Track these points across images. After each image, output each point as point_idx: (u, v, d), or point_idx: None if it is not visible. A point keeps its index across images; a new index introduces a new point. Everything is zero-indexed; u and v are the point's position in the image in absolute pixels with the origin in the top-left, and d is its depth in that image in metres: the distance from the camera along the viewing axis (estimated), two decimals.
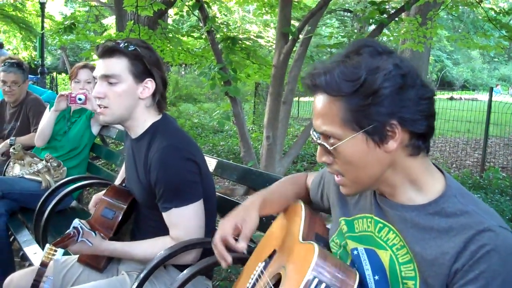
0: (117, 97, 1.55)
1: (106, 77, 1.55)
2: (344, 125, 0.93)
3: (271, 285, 1.12)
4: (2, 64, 3.23)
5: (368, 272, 1.05)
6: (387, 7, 4.19)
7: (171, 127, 1.63)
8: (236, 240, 1.23)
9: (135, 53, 1.55)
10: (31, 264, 2.10)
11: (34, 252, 2.20)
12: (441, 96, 13.63)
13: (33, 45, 17.61)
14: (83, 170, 3.05)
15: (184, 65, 15.64)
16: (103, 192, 1.76)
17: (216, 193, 1.80)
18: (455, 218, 0.93)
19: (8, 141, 3.21)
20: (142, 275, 1.45)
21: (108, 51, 1.55)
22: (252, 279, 1.23)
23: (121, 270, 1.69)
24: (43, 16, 13.84)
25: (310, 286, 0.94)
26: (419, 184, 0.99)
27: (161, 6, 5.30)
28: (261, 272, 1.21)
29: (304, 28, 4.30)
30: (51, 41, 12.08)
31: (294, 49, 4.29)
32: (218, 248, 1.24)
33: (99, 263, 1.69)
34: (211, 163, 2.08)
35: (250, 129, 8.54)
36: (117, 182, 1.96)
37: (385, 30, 5.04)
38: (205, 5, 4.24)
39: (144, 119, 1.62)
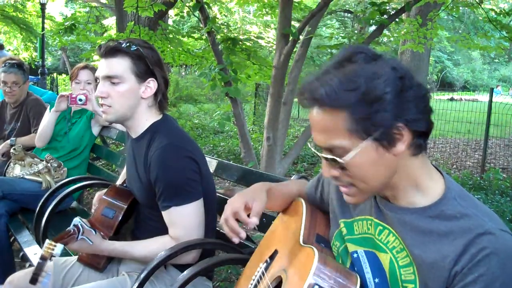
0: (120, 96, 1.56)
1: (109, 77, 1.56)
2: (351, 135, 0.92)
3: None
4: (3, 65, 3.24)
5: (368, 275, 1.05)
6: (387, 8, 4.19)
7: (172, 126, 1.64)
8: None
9: (138, 53, 1.56)
10: (31, 265, 2.10)
11: (34, 252, 2.20)
12: (441, 97, 13.64)
13: (33, 46, 17.63)
14: (84, 171, 3.05)
15: (184, 66, 15.66)
16: (104, 191, 1.76)
17: (217, 193, 1.80)
18: (455, 221, 0.93)
19: (8, 141, 3.21)
20: (142, 276, 1.44)
21: (111, 51, 1.56)
22: (253, 280, 1.22)
23: (122, 270, 1.69)
24: (43, 17, 13.84)
25: None
26: (419, 186, 0.99)
27: (162, 7, 5.30)
28: (262, 273, 1.20)
29: (304, 29, 4.30)
30: (52, 42, 12.09)
31: (294, 50, 4.29)
32: (229, 223, 1.20)
33: (99, 263, 1.69)
34: (211, 163, 2.08)
35: (251, 130, 8.54)
36: (119, 182, 1.96)
37: (385, 31, 5.04)
38: (206, 6, 4.24)
39: (146, 118, 1.63)
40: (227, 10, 12.97)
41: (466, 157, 7.39)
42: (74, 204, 2.97)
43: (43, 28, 13.54)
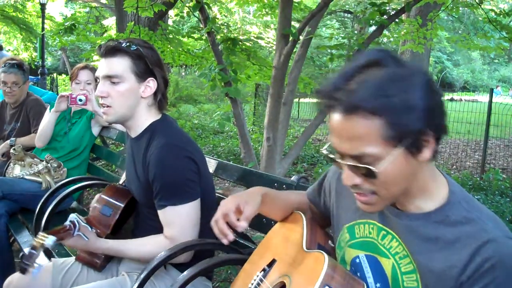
0: (120, 96, 1.56)
1: (109, 77, 1.56)
2: (385, 142, 0.88)
3: None
4: (3, 65, 3.24)
5: (370, 279, 1.04)
6: (387, 8, 4.20)
7: (171, 126, 1.64)
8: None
9: (138, 53, 1.56)
10: None
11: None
12: None
13: (33, 46, 17.64)
14: (84, 171, 3.05)
15: (184, 66, 15.65)
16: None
17: (216, 193, 1.80)
18: (460, 227, 0.92)
19: (8, 142, 3.21)
20: (142, 276, 1.44)
21: (111, 51, 1.56)
22: (251, 285, 1.21)
23: (121, 270, 1.69)
24: (43, 17, 13.86)
25: None
26: (427, 190, 0.98)
27: (162, 7, 5.29)
28: (260, 280, 1.19)
29: (304, 29, 4.30)
30: (52, 42, 12.07)
31: (294, 50, 4.29)
32: (219, 224, 1.20)
33: (97, 262, 1.69)
34: (211, 164, 2.08)
35: (250, 130, 8.53)
36: (120, 182, 1.96)
37: (385, 32, 5.04)
38: (206, 6, 4.24)
39: (145, 118, 1.63)
40: (227, 11, 12.97)
41: (466, 158, 7.39)
42: (74, 204, 2.97)
43: (43, 28, 13.56)
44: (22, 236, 2.47)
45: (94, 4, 13.11)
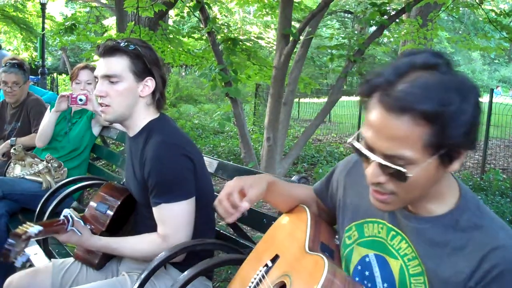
0: (119, 95, 1.57)
1: (107, 76, 1.56)
2: (424, 149, 0.86)
3: None
4: (4, 64, 3.24)
5: (378, 279, 1.04)
6: (387, 8, 4.20)
7: (168, 125, 1.65)
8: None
9: (136, 52, 1.57)
10: (31, 265, 2.10)
11: (34, 252, 2.19)
12: None
13: (33, 46, 17.63)
14: (84, 171, 3.05)
15: (184, 66, 15.65)
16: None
17: (215, 193, 1.80)
18: (470, 233, 0.92)
19: (8, 141, 3.21)
20: (143, 276, 1.45)
21: (109, 50, 1.56)
22: (252, 282, 1.21)
23: (121, 270, 1.70)
24: (43, 17, 13.86)
25: None
26: (440, 194, 0.97)
27: (162, 7, 5.29)
28: (262, 276, 1.19)
29: (304, 30, 4.30)
30: (52, 42, 12.10)
31: (294, 51, 4.30)
32: (223, 204, 1.19)
33: (95, 260, 1.68)
34: (212, 164, 2.08)
35: (251, 130, 8.54)
36: (121, 183, 1.97)
37: (385, 32, 5.04)
38: (206, 6, 4.25)
39: (143, 117, 1.63)
40: (227, 11, 12.97)
41: (466, 158, 7.36)
42: (74, 204, 2.97)
43: (43, 28, 13.56)
44: None
45: (94, 4, 13.11)
